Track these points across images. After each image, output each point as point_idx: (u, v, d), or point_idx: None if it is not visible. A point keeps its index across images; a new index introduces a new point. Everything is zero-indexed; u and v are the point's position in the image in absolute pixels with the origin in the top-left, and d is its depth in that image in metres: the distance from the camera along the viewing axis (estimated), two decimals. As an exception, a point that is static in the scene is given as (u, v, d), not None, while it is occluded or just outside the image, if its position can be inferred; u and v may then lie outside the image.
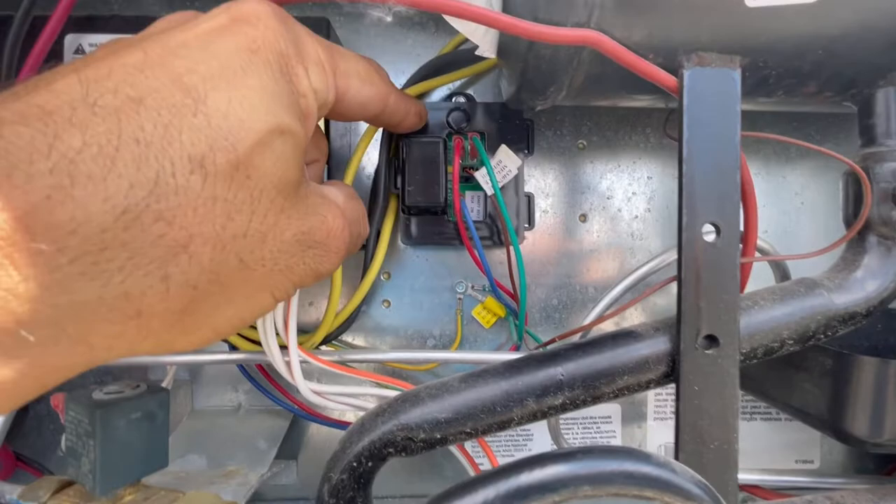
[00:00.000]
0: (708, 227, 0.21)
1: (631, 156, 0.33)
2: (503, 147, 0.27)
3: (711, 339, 0.21)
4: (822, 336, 0.22)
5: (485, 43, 0.22)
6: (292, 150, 0.16)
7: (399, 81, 0.32)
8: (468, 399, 0.22)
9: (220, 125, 0.14)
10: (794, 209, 0.34)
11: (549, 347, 0.23)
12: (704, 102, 0.21)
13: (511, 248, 0.27)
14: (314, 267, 0.18)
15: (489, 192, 0.27)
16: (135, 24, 0.26)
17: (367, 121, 0.24)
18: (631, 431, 0.34)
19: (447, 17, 0.21)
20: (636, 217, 0.33)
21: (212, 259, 0.15)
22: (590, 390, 0.22)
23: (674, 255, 0.26)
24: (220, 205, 0.14)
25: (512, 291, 0.30)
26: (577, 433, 0.33)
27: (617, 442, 0.33)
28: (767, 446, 0.33)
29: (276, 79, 0.16)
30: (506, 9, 0.23)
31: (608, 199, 0.33)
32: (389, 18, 0.25)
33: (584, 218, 0.33)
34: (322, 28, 0.26)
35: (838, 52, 0.21)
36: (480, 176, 0.27)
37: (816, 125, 0.34)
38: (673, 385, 0.22)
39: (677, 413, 0.21)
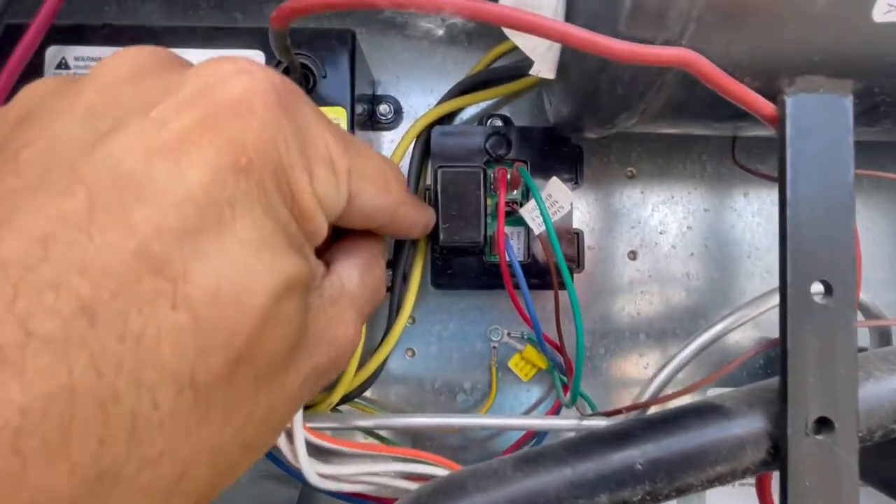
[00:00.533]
0: (817, 286, 0.18)
1: (686, 186, 0.30)
2: (554, 179, 0.23)
3: (824, 423, 0.17)
4: (949, 414, 0.18)
5: (545, 61, 0.19)
6: (301, 304, 0.12)
7: (428, 100, 0.29)
8: (524, 492, 0.18)
9: (210, 317, 0.10)
10: (865, 241, 0.30)
11: (618, 425, 0.19)
12: (811, 135, 0.18)
13: (563, 293, 0.23)
14: (321, 385, 0.15)
15: (537, 230, 0.24)
16: (129, 34, 0.22)
17: (363, 228, 0.17)
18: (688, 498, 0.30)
19: (508, 31, 0.17)
20: (692, 255, 0.29)
21: (213, 468, 0.11)
22: (675, 482, 0.18)
23: (750, 313, 0.23)
24: (218, 411, 0.11)
25: (557, 342, 0.26)
26: None
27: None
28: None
29: (275, 208, 0.11)
30: (571, 15, 0.19)
31: (661, 234, 0.29)
32: (441, 32, 0.21)
33: (633, 255, 0.29)
34: (346, 41, 0.23)
35: (970, 78, 0.18)
36: (527, 211, 0.24)
37: (890, 155, 0.30)
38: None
39: (783, 512, 0.17)
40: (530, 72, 0.20)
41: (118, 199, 0.10)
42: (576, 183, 0.26)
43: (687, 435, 0.18)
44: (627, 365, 0.29)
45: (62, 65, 0.22)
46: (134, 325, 0.09)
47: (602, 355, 0.29)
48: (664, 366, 0.23)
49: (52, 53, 0.22)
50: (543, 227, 0.23)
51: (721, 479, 0.18)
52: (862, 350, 0.21)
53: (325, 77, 0.23)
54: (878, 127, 0.21)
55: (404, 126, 0.29)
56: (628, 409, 0.20)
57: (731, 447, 0.18)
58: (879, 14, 0.16)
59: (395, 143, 0.29)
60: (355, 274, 0.16)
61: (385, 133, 0.29)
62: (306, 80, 0.22)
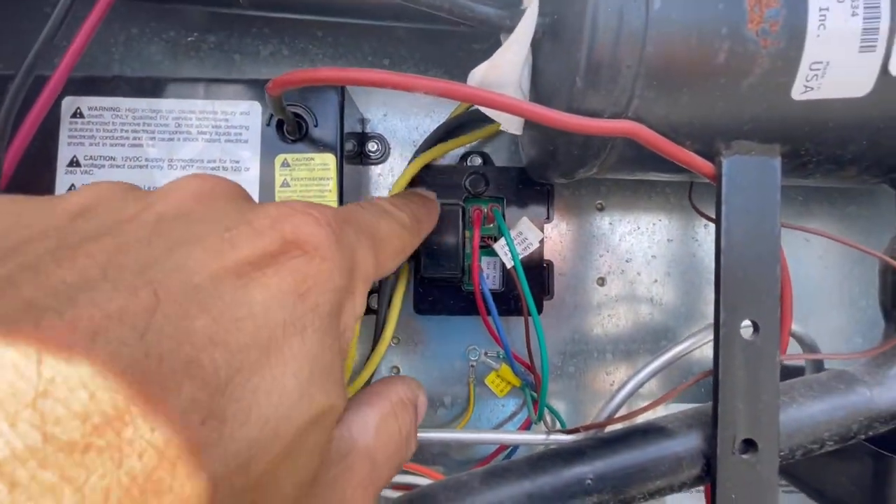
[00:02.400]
0: (746, 324, 0.20)
1: (651, 217, 0.32)
2: (525, 219, 0.26)
3: (749, 444, 0.20)
4: (862, 436, 0.21)
5: (511, 122, 0.21)
6: (325, 435, 0.12)
7: (413, 137, 0.31)
8: (488, 503, 0.20)
9: (238, 437, 0.10)
10: (818, 273, 0.33)
11: (574, 442, 0.22)
12: (743, 192, 0.20)
13: (531, 322, 0.25)
14: None
15: (508, 264, 0.26)
16: (137, 86, 0.24)
17: None
18: (648, 504, 0.32)
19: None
20: (656, 281, 0.32)
21: None
22: (620, 495, 0.20)
23: (703, 340, 0.25)
24: None
25: (528, 363, 0.29)
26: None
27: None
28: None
29: (323, 330, 0.12)
30: (534, 89, 0.21)
31: (627, 261, 0.32)
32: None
33: (602, 281, 0.32)
34: (335, 94, 0.25)
35: (882, 142, 0.20)
36: (500, 247, 0.26)
37: (840, 189, 0.33)
38: (707, 489, 0.20)
39: (713, 522, 0.20)
40: (501, 128, 0.22)
41: (181, 307, 0.10)
42: (547, 218, 0.29)
43: (632, 453, 0.21)
44: (595, 382, 0.32)
45: (77, 114, 0.24)
46: (157, 437, 0.09)
47: (572, 373, 0.32)
48: (622, 386, 0.25)
49: (68, 104, 0.24)
50: (513, 263, 0.25)
51: (661, 492, 0.21)
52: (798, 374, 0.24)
53: (316, 126, 0.25)
54: (811, 178, 0.23)
55: (392, 161, 0.31)
56: (586, 427, 0.23)
57: (670, 464, 0.20)
58: (797, 93, 0.19)
59: (382, 176, 0.32)
60: (371, 430, 0.14)
61: (374, 167, 0.31)
62: (299, 129, 0.25)
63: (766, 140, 0.20)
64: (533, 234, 0.26)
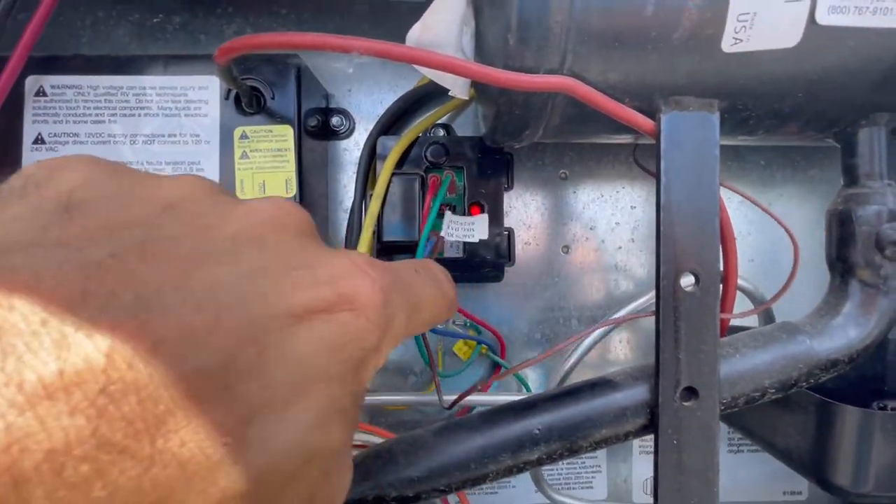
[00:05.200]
0: (688, 277, 0.21)
1: (614, 185, 0.32)
2: (484, 217, 0.27)
3: (691, 392, 0.21)
4: (804, 384, 0.22)
5: (457, 85, 0.22)
6: (326, 467, 0.13)
7: (377, 111, 0.32)
8: (442, 456, 0.21)
9: (252, 464, 0.10)
10: (779, 238, 0.33)
11: (529, 396, 0.23)
12: (682, 147, 0.20)
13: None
14: None
15: (443, 233, 0.27)
16: (98, 64, 0.25)
17: None
18: (616, 466, 0.33)
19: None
20: (620, 248, 0.32)
21: None
22: (567, 444, 0.21)
23: (650, 301, 0.26)
24: None
25: (486, 322, 0.30)
26: (561, 467, 0.32)
27: (602, 476, 0.33)
28: (755, 478, 0.33)
29: (346, 380, 0.12)
30: (478, 52, 0.22)
31: (591, 229, 0.32)
32: (350, 70, 0.24)
33: (566, 249, 0.32)
34: (291, 67, 0.25)
35: (819, 95, 0.21)
36: (446, 217, 0.27)
37: (803, 152, 0.33)
38: (652, 437, 0.21)
39: (656, 467, 0.21)
40: (449, 94, 0.23)
41: (234, 335, 0.10)
42: (507, 186, 0.29)
43: (579, 405, 0.21)
44: (560, 350, 0.32)
45: (40, 92, 0.25)
46: (184, 452, 0.09)
47: (538, 340, 0.32)
48: (580, 341, 0.26)
49: (31, 83, 0.25)
50: (448, 237, 0.26)
51: (607, 441, 0.21)
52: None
53: (273, 98, 0.25)
54: (756, 136, 0.24)
55: (357, 136, 0.32)
56: (534, 362, 0.24)
57: (614, 414, 0.21)
58: (727, 45, 0.19)
59: (348, 150, 0.32)
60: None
61: (340, 142, 0.32)
62: (257, 102, 0.25)
63: (704, 95, 0.20)
64: (481, 230, 0.26)
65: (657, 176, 0.21)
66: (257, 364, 0.11)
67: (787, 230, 0.22)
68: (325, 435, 0.12)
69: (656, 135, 0.21)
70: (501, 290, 0.32)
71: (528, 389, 0.31)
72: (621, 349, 0.33)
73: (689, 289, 0.21)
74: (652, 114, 0.21)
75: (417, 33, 0.18)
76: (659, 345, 0.21)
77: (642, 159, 0.26)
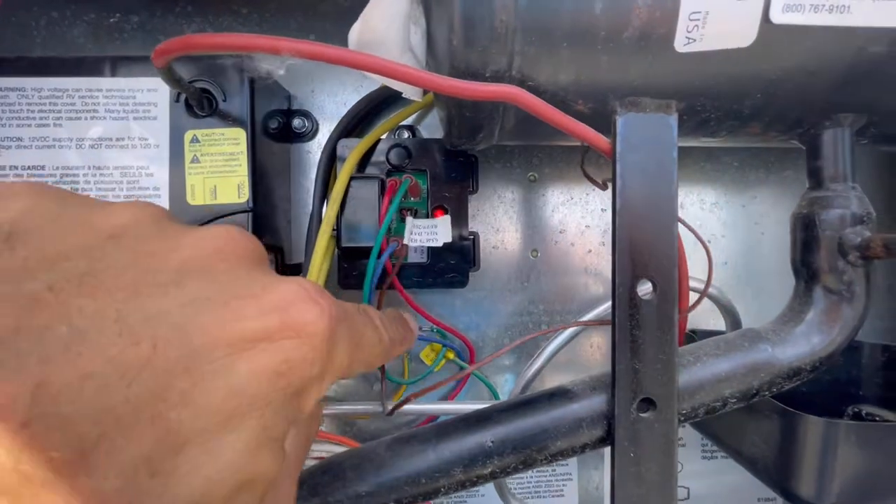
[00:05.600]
0: (644, 284, 0.20)
1: (584, 188, 0.32)
2: (446, 218, 0.26)
3: (648, 403, 0.20)
4: (766, 393, 0.21)
5: (408, 88, 0.21)
6: (255, 499, 0.12)
7: (341, 113, 0.31)
8: (392, 470, 0.20)
9: (179, 495, 0.10)
10: (754, 240, 0.33)
11: (485, 407, 0.22)
12: (639, 150, 0.20)
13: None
14: None
15: (406, 239, 0.26)
16: (42, 65, 0.24)
17: None
18: (587, 474, 0.32)
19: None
20: (590, 251, 0.32)
21: None
22: (521, 457, 0.20)
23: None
24: None
25: (461, 334, 0.29)
26: (530, 476, 0.32)
27: (573, 484, 0.32)
28: (728, 484, 0.32)
29: (283, 407, 0.12)
30: (429, 52, 0.21)
31: (560, 233, 0.32)
32: (282, 72, 0.23)
33: (535, 253, 0.32)
34: (243, 74, 0.25)
35: (778, 95, 0.20)
36: (408, 223, 0.26)
37: (776, 153, 0.33)
38: (610, 449, 0.20)
39: (612, 481, 0.20)
40: (403, 95, 0.22)
41: (170, 365, 0.10)
42: (472, 189, 0.29)
43: (534, 416, 0.21)
44: (530, 355, 0.32)
45: (-18, 95, 0.24)
46: (109, 485, 0.09)
47: (507, 345, 0.32)
48: (543, 349, 0.25)
49: (-27, 85, 0.24)
50: (411, 242, 0.25)
51: (563, 454, 0.21)
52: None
53: (224, 100, 0.25)
54: (719, 137, 0.23)
55: (320, 138, 0.31)
56: (487, 359, 0.23)
57: (570, 426, 0.20)
58: (680, 45, 0.18)
59: (311, 153, 0.31)
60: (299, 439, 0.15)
61: (303, 145, 0.31)
62: (208, 104, 0.25)
63: (660, 96, 0.20)
64: (444, 234, 0.26)
65: (612, 180, 0.20)
66: (190, 394, 0.11)
67: (700, 239, 0.22)
68: (256, 463, 0.12)
69: (612, 136, 0.20)
70: (469, 294, 0.31)
71: (494, 394, 0.30)
72: (592, 353, 0.33)
73: (646, 296, 0.20)
74: (608, 115, 0.20)
75: (357, 33, 0.18)
76: (615, 354, 0.20)
77: (589, 166, 0.26)
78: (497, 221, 0.31)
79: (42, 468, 0.09)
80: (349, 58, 0.17)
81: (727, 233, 0.33)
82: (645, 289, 0.20)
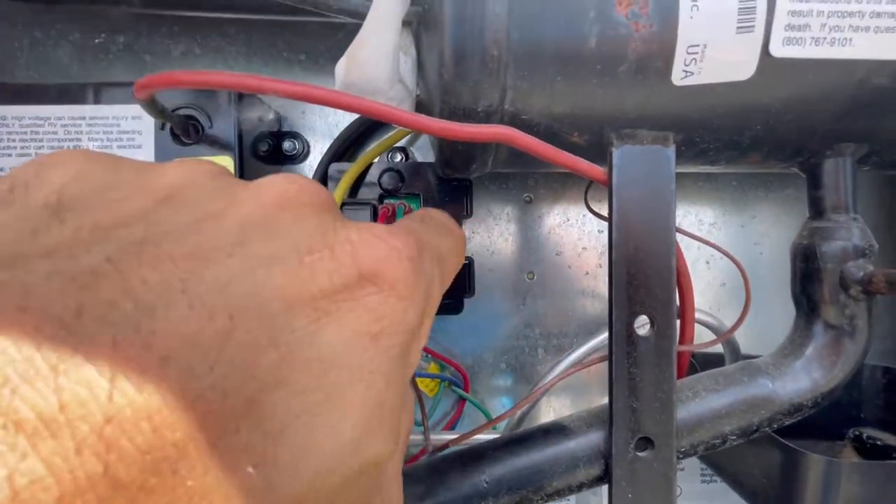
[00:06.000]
0: (642, 320, 0.20)
1: (581, 209, 0.31)
2: None
3: (646, 441, 0.19)
4: (766, 429, 0.21)
5: (398, 118, 0.20)
6: (373, 483, 0.11)
7: (334, 134, 0.30)
8: (384, 510, 0.20)
9: (286, 487, 0.09)
10: (753, 260, 0.32)
11: (478, 443, 0.21)
12: (636, 183, 0.19)
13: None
14: None
15: None
16: (23, 93, 0.24)
17: None
18: (585, 498, 0.32)
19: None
20: (587, 273, 0.31)
21: None
22: (516, 497, 0.20)
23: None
24: None
25: (450, 359, 0.28)
26: (528, 502, 0.31)
27: (571, 510, 0.32)
28: (729, 509, 0.32)
29: (390, 374, 0.11)
30: (421, 81, 0.21)
31: (557, 255, 0.31)
32: (271, 116, 0.22)
33: (531, 275, 0.31)
34: (229, 94, 0.24)
35: (779, 127, 0.20)
36: None
37: (780, 173, 0.32)
38: (607, 489, 0.20)
39: (610, 522, 0.20)
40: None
41: (253, 338, 0.09)
42: (466, 213, 0.28)
43: (530, 454, 0.20)
44: (527, 380, 0.31)
45: (-39, 123, 0.23)
46: (209, 481, 0.08)
47: (503, 370, 0.31)
48: (537, 383, 0.25)
49: (-49, 113, 0.23)
50: None
51: (559, 493, 0.20)
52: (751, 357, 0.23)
53: (211, 127, 0.24)
54: (718, 165, 0.22)
55: (312, 160, 0.31)
56: (485, 426, 0.22)
57: (567, 464, 0.20)
58: (678, 79, 0.18)
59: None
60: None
61: (294, 167, 0.31)
62: (195, 131, 0.24)
63: (657, 128, 0.19)
64: None
65: (609, 215, 0.20)
66: (283, 370, 0.09)
67: (737, 264, 0.21)
68: (371, 445, 0.10)
69: (608, 169, 0.19)
70: (465, 319, 0.31)
71: (494, 427, 0.30)
72: (595, 370, 0.32)
73: (643, 333, 0.19)
74: (604, 146, 0.20)
75: (344, 71, 0.17)
76: (612, 392, 0.19)
77: (594, 200, 0.25)
78: (492, 243, 0.31)
79: (135, 469, 0.07)
80: (337, 100, 0.16)
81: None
82: (642, 325, 0.20)
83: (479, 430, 0.22)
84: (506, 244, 0.31)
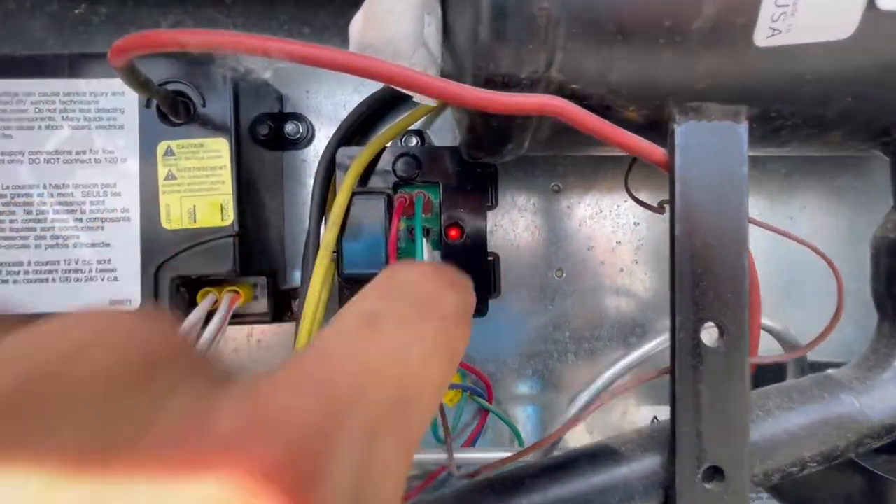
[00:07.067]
0: (709, 329, 0.17)
1: (614, 198, 0.28)
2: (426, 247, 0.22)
3: (715, 471, 0.17)
4: (851, 454, 0.18)
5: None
6: None
7: (340, 116, 0.27)
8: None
9: None
10: (803, 255, 0.29)
11: (514, 469, 0.19)
12: (702, 166, 0.16)
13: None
14: None
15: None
16: (-14, 66, 0.21)
17: None
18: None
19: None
20: (622, 270, 0.28)
21: None
22: (561, 534, 0.17)
23: (666, 342, 0.22)
24: None
25: (472, 366, 0.25)
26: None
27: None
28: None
29: None
30: (447, 46, 0.18)
31: (589, 249, 0.28)
32: (268, 75, 0.19)
33: (560, 273, 0.28)
34: (225, 74, 0.21)
35: (873, 98, 0.17)
36: (426, 252, 0.23)
37: (830, 157, 0.29)
38: None
39: (672, 564, 0.17)
40: (414, 99, 0.19)
41: None
42: (491, 204, 0.25)
43: (576, 482, 0.17)
44: (559, 386, 0.28)
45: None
46: None
47: (529, 376, 0.28)
48: (577, 395, 0.22)
49: None
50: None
51: (611, 530, 0.17)
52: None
53: (204, 105, 0.21)
54: (787, 148, 0.19)
55: (317, 145, 0.28)
56: (525, 451, 0.20)
57: (620, 496, 0.17)
58: (762, 38, 0.15)
59: (307, 162, 0.28)
60: None
61: (297, 152, 0.28)
62: (185, 110, 0.21)
63: (729, 101, 0.16)
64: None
65: (671, 203, 0.17)
66: None
67: (831, 265, 0.18)
68: None
69: (669, 151, 0.16)
70: (486, 320, 0.28)
71: (520, 441, 0.27)
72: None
73: (711, 343, 0.17)
74: (663, 123, 0.17)
75: (359, 29, 0.14)
76: (675, 413, 0.17)
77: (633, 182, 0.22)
78: (517, 237, 0.28)
79: None
80: (351, 62, 0.13)
81: (774, 248, 0.29)
82: (711, 334, 0.17)
83: (522, 453, 0.19)
84: (532, 238, 0.28)
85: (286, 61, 0.13)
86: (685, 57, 0.15)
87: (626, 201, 0.28)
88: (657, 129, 0.17)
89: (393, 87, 0.16)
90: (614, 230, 0.28)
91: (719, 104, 0.16)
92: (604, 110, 0.17)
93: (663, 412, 0.29)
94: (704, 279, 0.16)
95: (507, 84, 0.15)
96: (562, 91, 0.16)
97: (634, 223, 0.28)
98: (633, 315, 0.28)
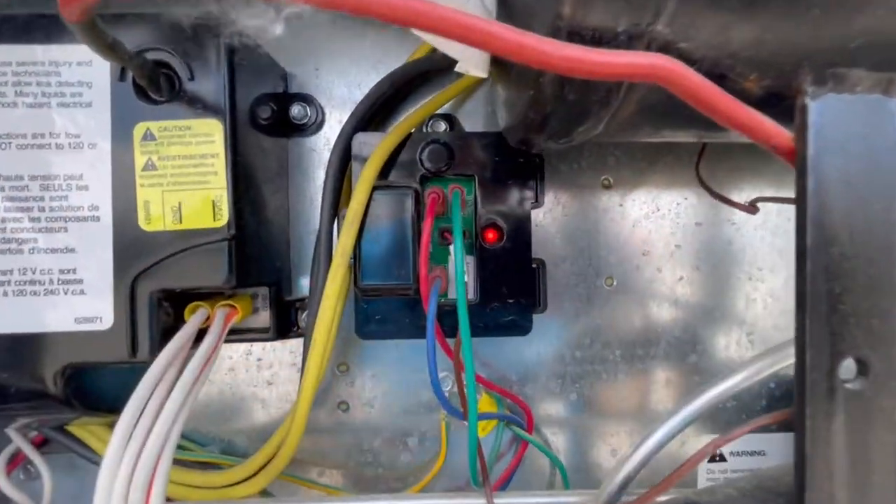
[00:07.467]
0: (848, 365, 0.13)
1: (674, 195, 0.24)
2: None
3: (855, 550, 0.13)
4: None
5: (471, 56, 0.13)
6: None
7: (355, 98, 0.23)
8: None
9: None
10: None
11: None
12: (843, 153, 0.13)
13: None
14: None
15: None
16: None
17: None
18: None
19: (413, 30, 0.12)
20: (681, 278, 0.25)
21: None
22: None
23: (758, 373, 0.18)
24: None
25: (509, 391, 0.22)
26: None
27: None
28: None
29: None
30: (505, 12, 0.14)
31: (644, 254, 0.24)
32: (279, 31, 0.15)
33: (611, 281, 0.24)
34: (219, 42, 0.17)
35: None
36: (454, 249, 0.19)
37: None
38: None
39: None
40: (457, 69, 0.15)
41: None
42: (536, 201, 0.21)
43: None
44: (605, 412, 0.25)
45: None
46: None
47: (574, 401, 0.24)
48: (634, 452, 0.18)
49: None
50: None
51: None
52: None
53: (192, 79, 0.17)
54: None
55: (327, 131, 0.24)
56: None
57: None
58: (950, -23, 0.11)
59: (315, 151, 0.24)
60: None
61: (304, 140, 0.24)
62: (168, 85, 0.17)
63: (883, 67, 0.12)
64: None
65: (799, 200, 0.13)
66: None
67: None
68: None
69: (799, 133, 0.13)
70: (523, 337, 0.24)
71: (564, 477, 0.23)
72: (675, 387, 0.25)
73: (852, 385, 0.13)
74: (787, 98, 0.13)
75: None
76: (804, 474, 0.13)
77: (708, 172, 0.19)
78: (561, 240, 0.24)
79: None
80: (395, 7, 0.09)
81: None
82: (849, 370, 0.13)
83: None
84: (578, 240, 0.24)
85: (301, 4, 0.09)
86: (832, 10, 0.11)
87: (686, 198, 0.24)
88: (775, 105, 0.13)
89: (443, 42, 0.12)
90: (673, 231, 0.24)
91: (870, 71, 0.12)
92: (716, 79, 0.13)
93: (730, 445, 0.25)
94: (845, 302, 0.13)
95: (598, 40, 0.11)
96: (666, 52, 0.12)
97: (696, 223, 0.24)
98: (693, 330, 0.24)
